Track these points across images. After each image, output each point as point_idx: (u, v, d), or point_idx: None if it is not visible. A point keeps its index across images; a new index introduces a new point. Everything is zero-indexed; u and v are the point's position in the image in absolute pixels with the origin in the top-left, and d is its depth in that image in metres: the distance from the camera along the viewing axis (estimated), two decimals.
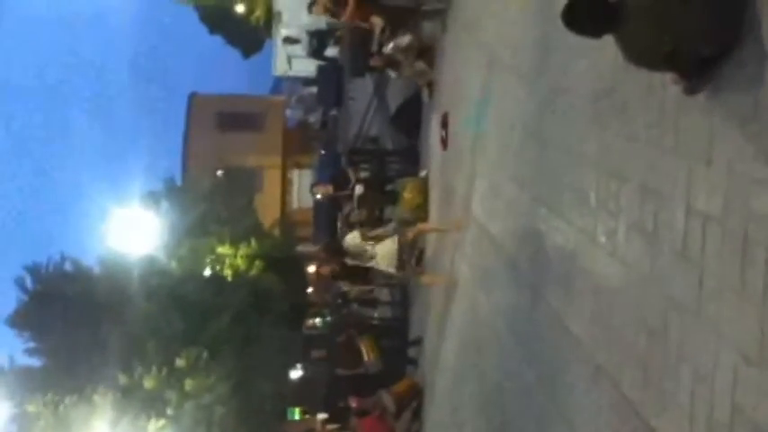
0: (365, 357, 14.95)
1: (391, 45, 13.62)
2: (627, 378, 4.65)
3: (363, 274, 14.92)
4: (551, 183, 6.46)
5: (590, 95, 5.54)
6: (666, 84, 4.18)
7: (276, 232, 35.06)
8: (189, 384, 22.07)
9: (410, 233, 11.37)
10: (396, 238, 11.06)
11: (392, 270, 11.23)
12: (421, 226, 12.50)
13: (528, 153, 7.39)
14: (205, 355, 22.82)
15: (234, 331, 23.94)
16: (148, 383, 22.25)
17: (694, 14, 3.47)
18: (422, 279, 13.16)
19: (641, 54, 3.85)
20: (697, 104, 3.94)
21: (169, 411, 22.26)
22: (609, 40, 4.00)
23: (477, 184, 10.05)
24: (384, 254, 11.03)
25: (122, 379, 22.32)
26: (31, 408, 23.28)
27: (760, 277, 3.39)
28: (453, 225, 11.28)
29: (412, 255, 11.69)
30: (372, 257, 11.10)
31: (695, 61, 3.69)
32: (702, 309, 3.82)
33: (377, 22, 14.00)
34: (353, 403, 15.15)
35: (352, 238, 11.42)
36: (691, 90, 3.94)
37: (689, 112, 4.04)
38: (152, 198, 30.90)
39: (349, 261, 11.38)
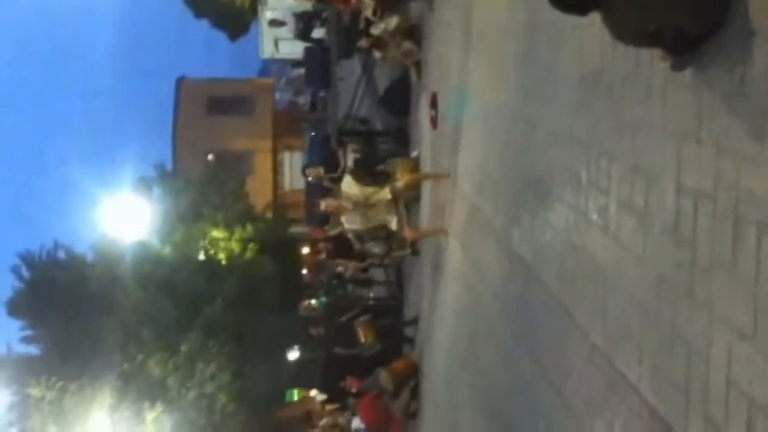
0: (361, 339, 14.99)
1: (381, 27, 13.58)
2: (622, 356, 4.66)
3: (352, 247, 14.92)
4: (541, 162, 6.46)
5: (577, 74, 5.53)
6: (654, 61, 4.17)
7: (269, 215, 35.04)
8: (196, 374, 22.16)
9: (401, 183, 11.43)
10: (387, 189, 11.08)
11: (391, 218, 11.11)
12: (410, 177, 12.47)
13: (517, 133, 7.38)
14: (210, 343, 22.88)
15: (228, 316, 23.97)
16: (154, 369, 22.31)
17: None
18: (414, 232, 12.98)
19: (627, 32, 3.83)
20: (684, 81, 3.93)
21: (170, 396, 22.33)
22: (595, 18, 3.97)
23: (467, 162, 10.04)
24: (380, 201, 11.00)
25: (124, 365, 22.37)
26: (34, 391, 23.29)
27: (752, 254, 3.39)
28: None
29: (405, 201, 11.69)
30: (371, 205, 11.03)
31: (681, 38, 3.68)
32: (695, 286, 3.83)
33: (367, 3, 13.97)
34: (353, 386, 15.23)
35: (348, 185, 11.30)
36: (678, 66, 3.93)
37: (677, 89, 4.04)
38: (144, 184, 30.85)
39: (345, 219, 11.28)
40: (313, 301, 27.88)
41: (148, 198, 29.60)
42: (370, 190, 11.15)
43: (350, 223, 11.24)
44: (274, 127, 42.29)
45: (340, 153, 16.75)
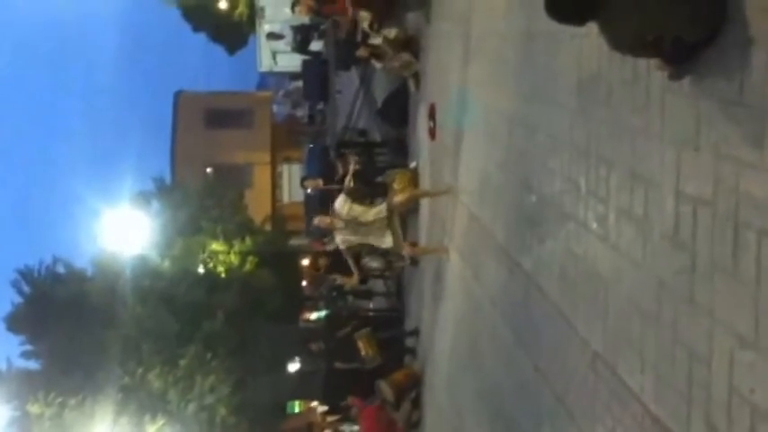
0: (363, 353, 14.93)
1: (379, 38, 13.60)
2: (624, 364, 4.66)
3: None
4: (540, 170, 6.46)
5: (576, 83, 5.54)
6: (651, 70, 4.18)
7: (268, 227, 35.04)
8: (196, 386, 22.12)
9: (398, 198, 11.33)
10: (384, 205, 10.93)
11: (385, 237, 10.97)
12: (409, 193, 12.35)
13: (516, 141, 7.39)
14: (208, 356, 22.85)
15: (229, 329, 23.95)
16: (155, 382, 22.29)
17: (677, 2, 3.47)
18: (413, 249, 12.90)
19: (625, 41, 3.84)
20: (682, 90, 3.94)
21: (171, 410, 22.31)
22: (593, 28, 3.99)
23: (465, 173, 10.05)
24: (375, 219, 10.85)
25: (125, 379, 22.35)
26: (33, 408, 23.25)
27: (752, 260, 3.40)
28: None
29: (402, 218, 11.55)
30: (365, 223, 10.89)
31: (679, 47, 3.69)
32: (695, 292, 3.83)
33: (364, 16, 13.99)
34: (354, 405, 15.20)
35: (341, 204, 11.15)
36: (675, 76, 3.94)
37: (675, 97, 4.05)
38: (142, 198, 30.88)
39: (338, 238, 11.11)
40: (313, 315, 27.91)
41: (147, 212, 29.62)
42: (362, 209, 11.04)
43: (342, 242, 11.13)
44: (273, 139, 42.34)
45: (339, 165, 16.72)
